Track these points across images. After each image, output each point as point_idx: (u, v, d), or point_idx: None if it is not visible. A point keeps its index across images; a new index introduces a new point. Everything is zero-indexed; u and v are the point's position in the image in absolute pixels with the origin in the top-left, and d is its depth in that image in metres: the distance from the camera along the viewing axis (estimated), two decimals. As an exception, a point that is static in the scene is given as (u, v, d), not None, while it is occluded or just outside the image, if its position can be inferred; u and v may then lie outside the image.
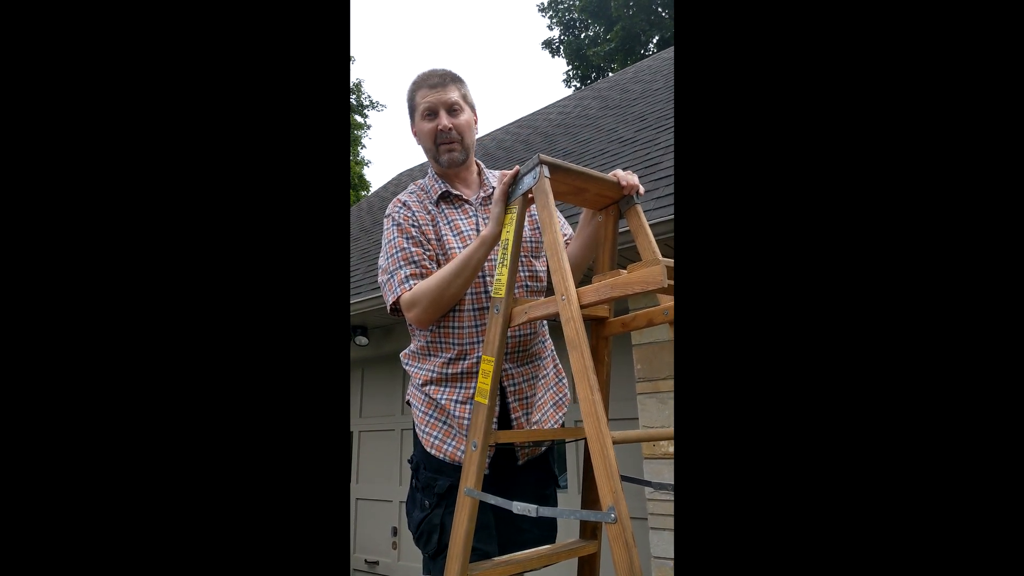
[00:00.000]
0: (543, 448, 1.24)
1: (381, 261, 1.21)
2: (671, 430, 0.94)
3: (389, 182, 8.65)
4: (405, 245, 1.17)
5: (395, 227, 1.20)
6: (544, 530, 1.20)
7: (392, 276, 1.16)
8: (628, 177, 1.05)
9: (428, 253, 1.18)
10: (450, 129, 1.21)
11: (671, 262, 0.81)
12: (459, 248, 1.18)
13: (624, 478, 0.89)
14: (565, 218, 1.44)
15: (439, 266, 1.16)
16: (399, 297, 1.13)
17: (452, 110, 1.22)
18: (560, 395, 1.27)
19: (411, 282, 1.13)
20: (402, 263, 1.15)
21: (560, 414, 1.26)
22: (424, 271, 1.15)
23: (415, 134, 1.27)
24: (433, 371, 1.17)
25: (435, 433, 1.16)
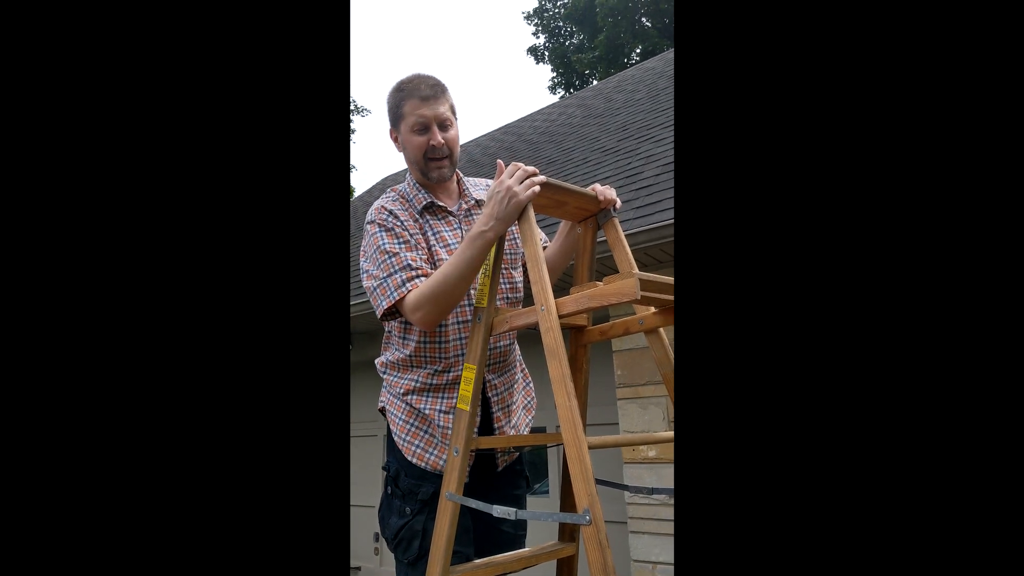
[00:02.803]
0: (518, 453, 1.27)
1: (368, 267, 1.17)
2: (647, 435, 0.98)
3: (373, 186, 8.64)
4: (398, 249, 1.14)
5: (384, 232, 1.17)
6: (518, 528, 1.24)
7: (386, 281, 1.12)
8: (606, 192, 1.09)
9: (423, 257, 1.16)
10: (443, 146, 1.21)
11: (645, 275, 0.85)
12: (447, 258, 1.16)
13: (600, 482, 0.93)
14: (541, 229, 1.46)
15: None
16: (400, 299, 1.09)
17: (443, 125, 1.21)
18: (528, 399, 1.31)
19: (410, 284, 1.09)
20: (397, 268, 1.12)
21: (529, 417, 1.30)
22: (423, 273, 1.12)
23: (396, 140, 1.26)
24: (417, 381, 1.18)
25: (416, 442, 1.17)
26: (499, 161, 1.06)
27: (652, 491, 1.09)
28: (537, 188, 0.99)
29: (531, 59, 16.57)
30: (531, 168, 1.00)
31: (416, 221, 1.22)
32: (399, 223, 1.18)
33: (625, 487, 1.12)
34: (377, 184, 8.63)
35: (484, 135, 7.81)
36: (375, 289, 1.14)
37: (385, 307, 1.12)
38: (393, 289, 1.10)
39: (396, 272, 1.11)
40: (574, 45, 15.77)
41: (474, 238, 1.02)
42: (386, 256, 1.14)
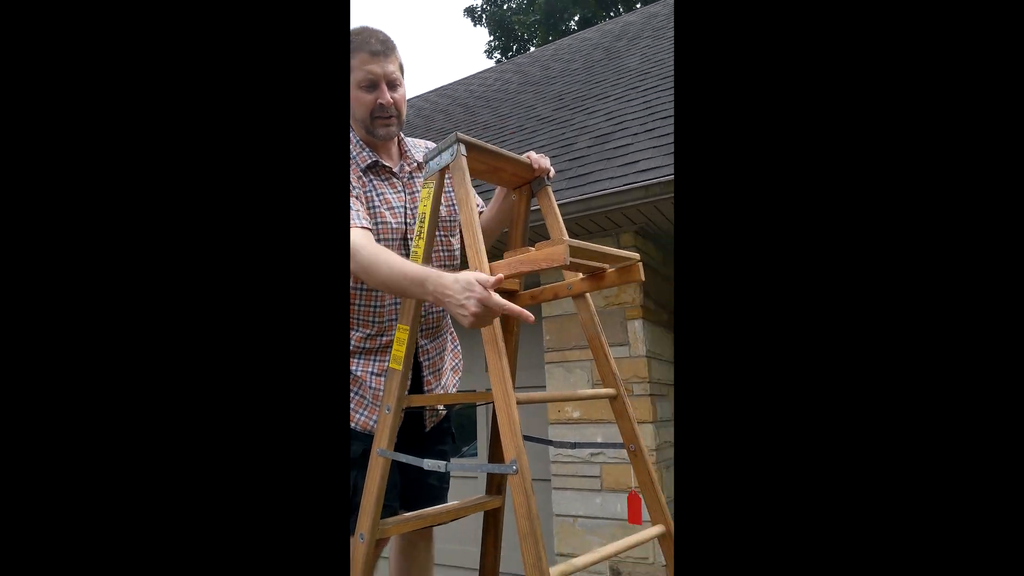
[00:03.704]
0: (446, 412, 1.32)
1: None
2: (570, 392, 1.04)
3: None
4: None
5: None
6: (443, 482, 1.30)
7: None
8: (540, 160, 1.12)
9: (365, 209, 1.13)
10: (391, 105, 1.19)
11: (575, 242, 0.89)
12: (391, 221, 1.17)
13: (527, 438, 0.98)
14: (479, 194, 1.47)
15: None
16: None
17: (392, 84, 1.18)
18: (456, 360, 1.36)
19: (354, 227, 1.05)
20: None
21: (457, 378, 1.35)
22: (363, 226, 1.08)
23: None
24: (350, 344, 1.19)
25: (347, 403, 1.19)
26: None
27: (574, 445, 1.16)
28: (499, 312, 0.85)
29: (468, 20, 16.14)
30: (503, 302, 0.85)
31: (360, 179, 1.20)
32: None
33: (550, 442, 1.19)
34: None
35: (418, 96, 7.58)
36: None
37: None
38: None
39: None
40: (512, 8, 15.49)
41: (417, 286, 0.94)
42: None
